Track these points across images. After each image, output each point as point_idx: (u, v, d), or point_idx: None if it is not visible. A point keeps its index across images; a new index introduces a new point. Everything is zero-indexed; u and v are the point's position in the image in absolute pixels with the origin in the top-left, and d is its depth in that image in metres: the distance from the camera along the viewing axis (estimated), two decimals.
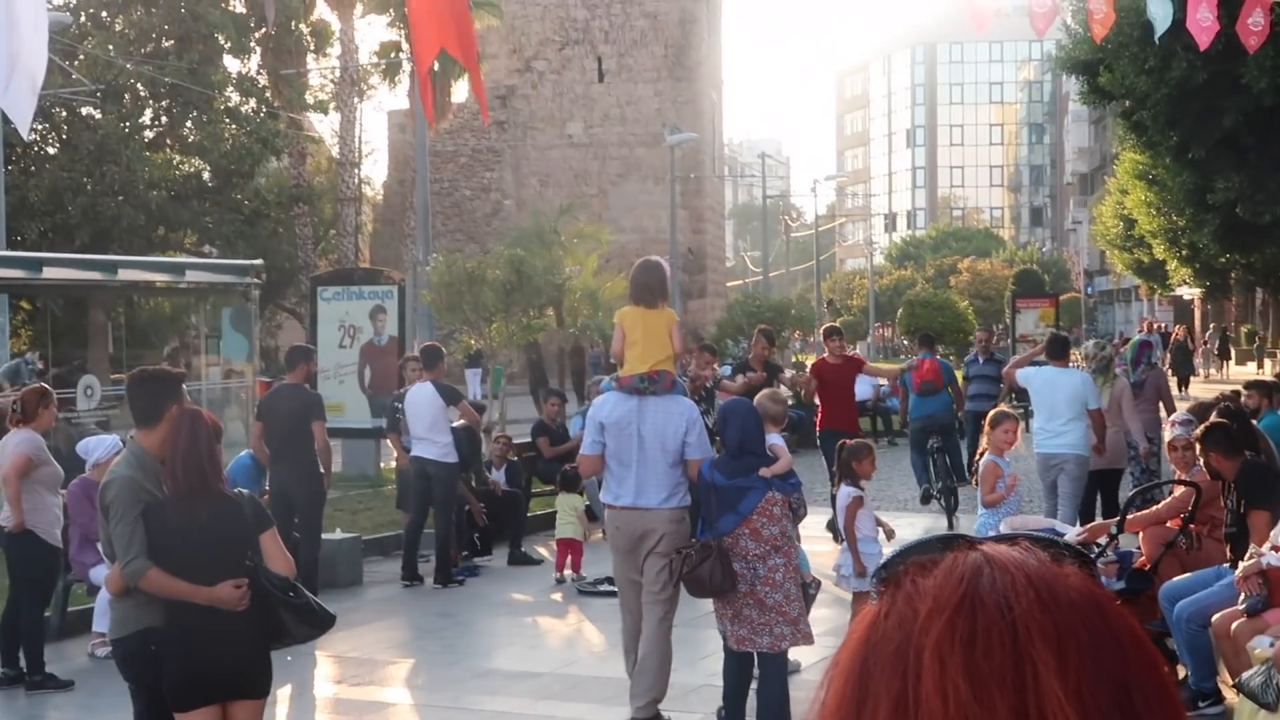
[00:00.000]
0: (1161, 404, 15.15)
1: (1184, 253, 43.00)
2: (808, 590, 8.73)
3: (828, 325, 17.72)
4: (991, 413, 11.48)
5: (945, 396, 18.12)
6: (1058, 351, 13.82)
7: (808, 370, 17.41)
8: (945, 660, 1.16)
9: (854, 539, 10.06)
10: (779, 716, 8.09)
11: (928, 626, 1.20)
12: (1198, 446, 9.17)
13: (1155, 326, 51.39)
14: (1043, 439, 13.12)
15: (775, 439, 9.35)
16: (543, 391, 23.69)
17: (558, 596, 13.52)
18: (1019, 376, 14.13)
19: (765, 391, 11.01)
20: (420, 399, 14.00)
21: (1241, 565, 8.25)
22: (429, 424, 13.93)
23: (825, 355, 16.41)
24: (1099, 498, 13.91)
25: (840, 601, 11.78)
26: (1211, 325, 59.47)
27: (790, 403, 19.09)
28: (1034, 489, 15.85)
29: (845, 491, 10.17)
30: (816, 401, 16.42)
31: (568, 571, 14.07)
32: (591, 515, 16.60)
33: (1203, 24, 12.01)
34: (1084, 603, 1.23)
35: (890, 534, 10.55)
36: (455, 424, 14.51)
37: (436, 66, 29.86)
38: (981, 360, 20.61)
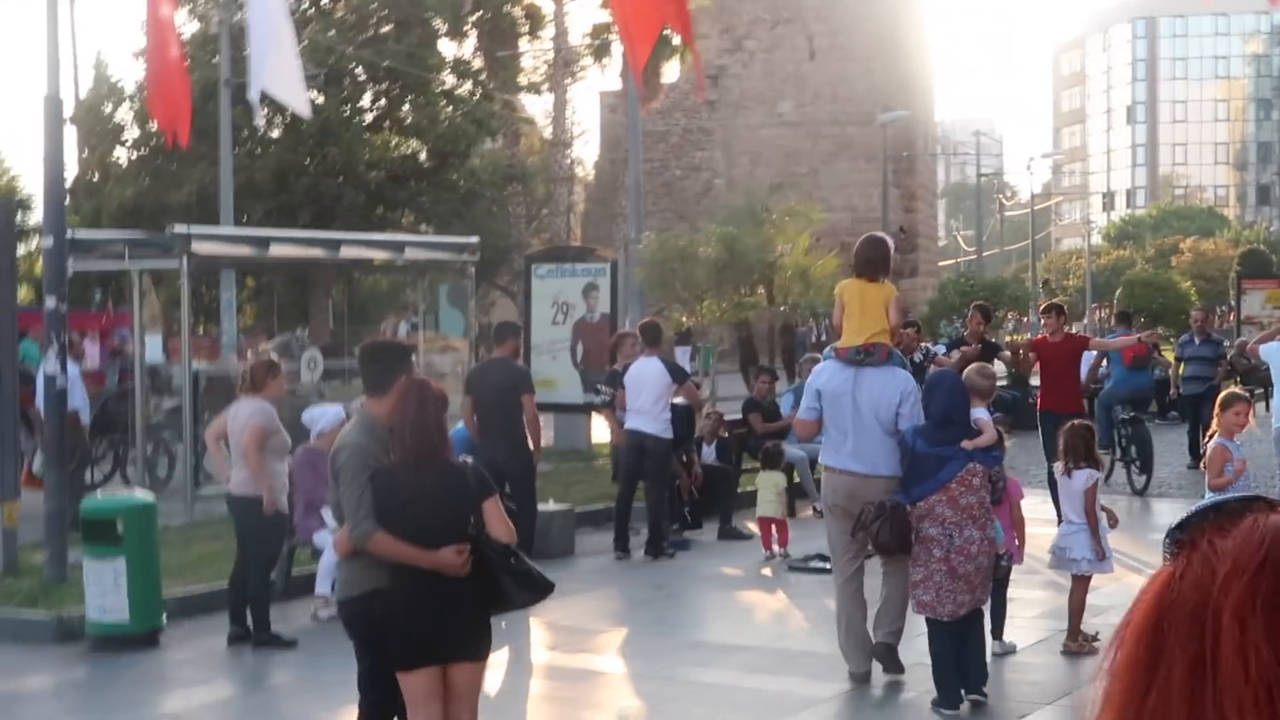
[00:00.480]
0: None
1: None
2: (1000, 562, 8.77)
3: (1048, 302, 17.24)
4: (1223, 394, 10.73)
5: (1150, 373, 19.78)
6: None
7: (1026, 347, 17.00)
8: (1246, 623, 1.13)
9: (1095, 522, 9.78)
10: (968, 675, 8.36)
11: (1227, 588, 1.16)
12: None
13: None
14: None
15: (981, 413, 9.33)
16: (753, 369, 23.66)
17: (767, 572, 13.51)
18: (1263, 352, 14.05)
19: (974, 365, 10.90)
20: (647, 374, 14.07)
21: None
22: (653, 399, 13.98)
23: (1044, 333, 15.92)
24: None
25: (1053, 585, 11.55)
26: None
27: (1005, 383, 18.83)
28: (1261, 472, 15.37)
29: (1086, 474, 9.85)
30: (1036, 381, 15.92)
31: (776, 548, 14.02)
32: (799, 492, 16.59)
33: None
34: None
35: (1114, 521, 10.23)
36: (676, 401, 14.57)
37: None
38: (1198, 341, 20.12)
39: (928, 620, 8.46)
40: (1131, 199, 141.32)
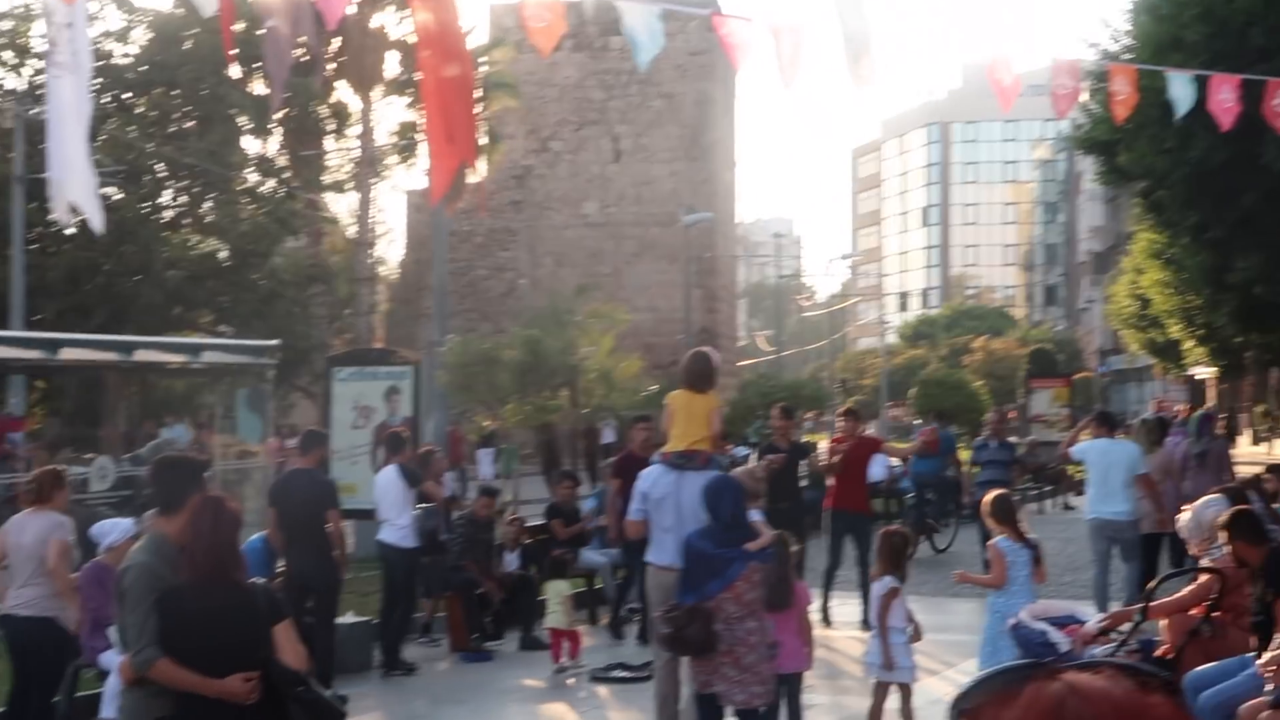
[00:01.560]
0: (1222, 474, 16.56)
1: (1200, 332, 42.91)
2: (772, 650, 9.02)
3: (844, 406, 17.81)
4: (991, 499, 10.90)
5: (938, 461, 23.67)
6: (1107, 422, 15.42)
7: (826, 450, 17.41)
8: None
9: (885, 629, 9.92)
10: None
11: None
12: (1222, 534, 9.03)
13: (1167, 407, 51.02)
14: (1097, 505, 14.54)
15: (754, 515, 9.60)
16: (555, 473, 23.59)
17: (571, 682, 13.36)
18: (1074, 452, 15.51)
19: (743, 469, 11.33)
20: (383, 483, 14.27)
21: (1266, 655, 8.11)
22: (390, 507, 14.15)
23: (840, 434, 16.37)
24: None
25: (863, 688, 11.60)
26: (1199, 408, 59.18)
27: (805, 483, 19.27)
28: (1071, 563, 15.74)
29: (884, 581, 10.00)
30: (829, 482, 16.16)
31: (565, 659, 13.76)
32: (600, 599, 16.50)
33: (1224, 105, 12.01)
34: None
35: (918, 634, 10.28)
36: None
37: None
38: (993, 444, 20.00)
39: (700, 699, 8.80)
40: (925, 299, 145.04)
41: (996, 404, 42.65)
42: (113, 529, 11.21)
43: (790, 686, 9.87)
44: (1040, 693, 1.54)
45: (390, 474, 14.24)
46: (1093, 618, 9.68)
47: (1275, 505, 12.45)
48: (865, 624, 14.40)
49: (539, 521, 17.77)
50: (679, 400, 10.27)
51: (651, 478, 10.09)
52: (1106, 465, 14.62)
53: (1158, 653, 9.31)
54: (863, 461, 15.88)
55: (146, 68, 38.36)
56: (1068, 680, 1.61)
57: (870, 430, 59.11)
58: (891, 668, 9.91)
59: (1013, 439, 22.07)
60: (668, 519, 9.80)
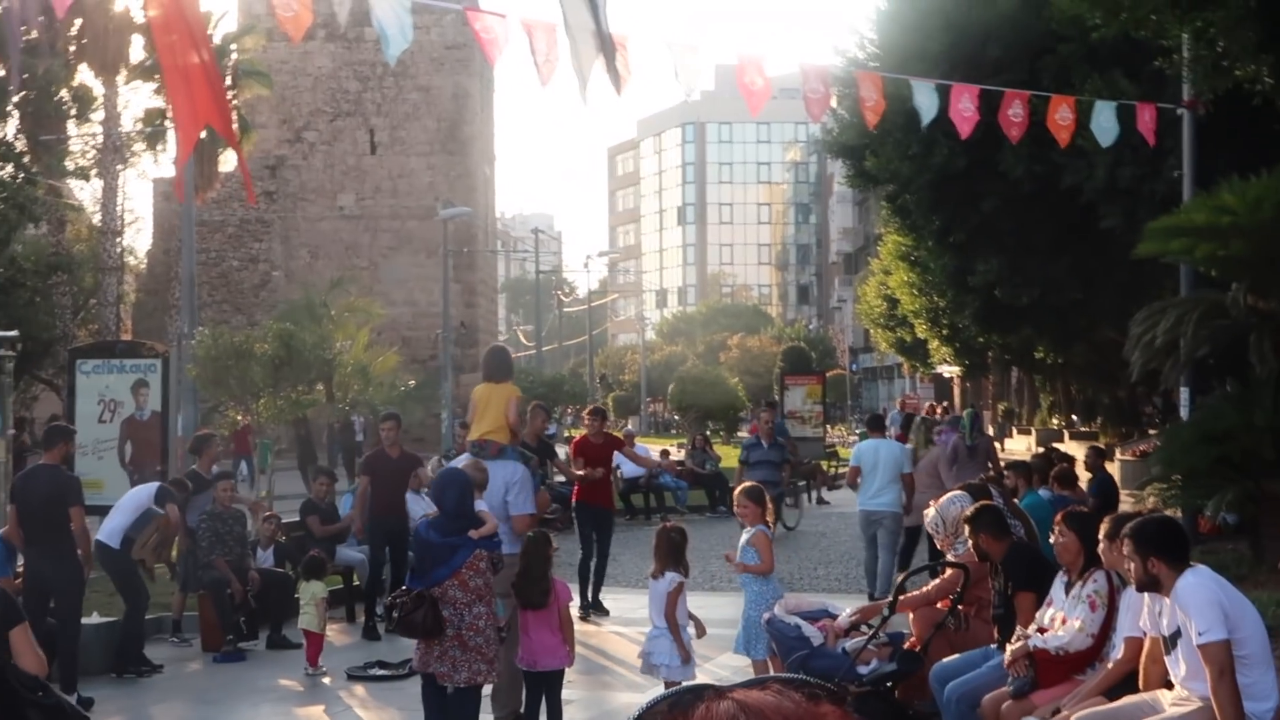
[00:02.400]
0: (990, 465, 17.89)
1: (945, 332, 44.33)
2: (500, 633, 9.43)
3: (591, 405, 18.26)
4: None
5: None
6: (877, 425, 17.52)
7: (570, 451, 18.03)
8: None
9: (676, 626, 9.92)
10: None
11: None
12: (967, 528, 9.32)
13: (913, 404, 52.57)
14: (865, 499, 16.10)
15: (481, 505, 9.97)
16: (312, 469, 23.19)
17: (328, 681, 13.12)
18: (854, 454, 17.08)
19: (470, 461, 11.40)
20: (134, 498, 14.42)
21: (1009, 648, 8.40)
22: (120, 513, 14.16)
23: (587, 433, 17.34)
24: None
25: (622, 683, 11.67)
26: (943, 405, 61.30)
27: (563, 479, 19.60)
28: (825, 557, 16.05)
29: (669, 578, 9.98)
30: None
31: (319, 663, 13.48)
32: (340, 599, 16.29)
33: (964, 114, 12.42)
34: None
35: (700, 631, 10.34)
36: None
37: (204, 135, 29.31)
38: (765, 445, 20.11)
39: (426, 683, 9.30)
40: (683, 296, 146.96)
41: (763, 403, 43.39)
42: None
43: (550, 684, 9.86)
44: (710, 714, 1.58)
45: (143, 493, 14.12)
46: (844, 612, 9.92)
47: (1016, 500, 12.90)
48: (584, 614, 15.41)
49: (295, 518, 17.47)
50: (480, 393, 11.14)
51: (456, 465, 10.84)
52: (875, 462, 16.13)
53: (906, 645, 9.58)
54: (608, 459, 17.04)
55: None
56: (737, 698, 1.66)
57: (629, 425, 59.54)
58: (689, 662, 9.93)
59: (785, 446, 22.16)
60: None
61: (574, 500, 17.03)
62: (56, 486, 12.16)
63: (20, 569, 12.68)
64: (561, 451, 21.17)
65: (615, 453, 17.67)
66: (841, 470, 38.58)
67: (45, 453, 12.74)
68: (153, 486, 14.26)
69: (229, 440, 31.58)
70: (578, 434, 38.23)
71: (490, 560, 9.23)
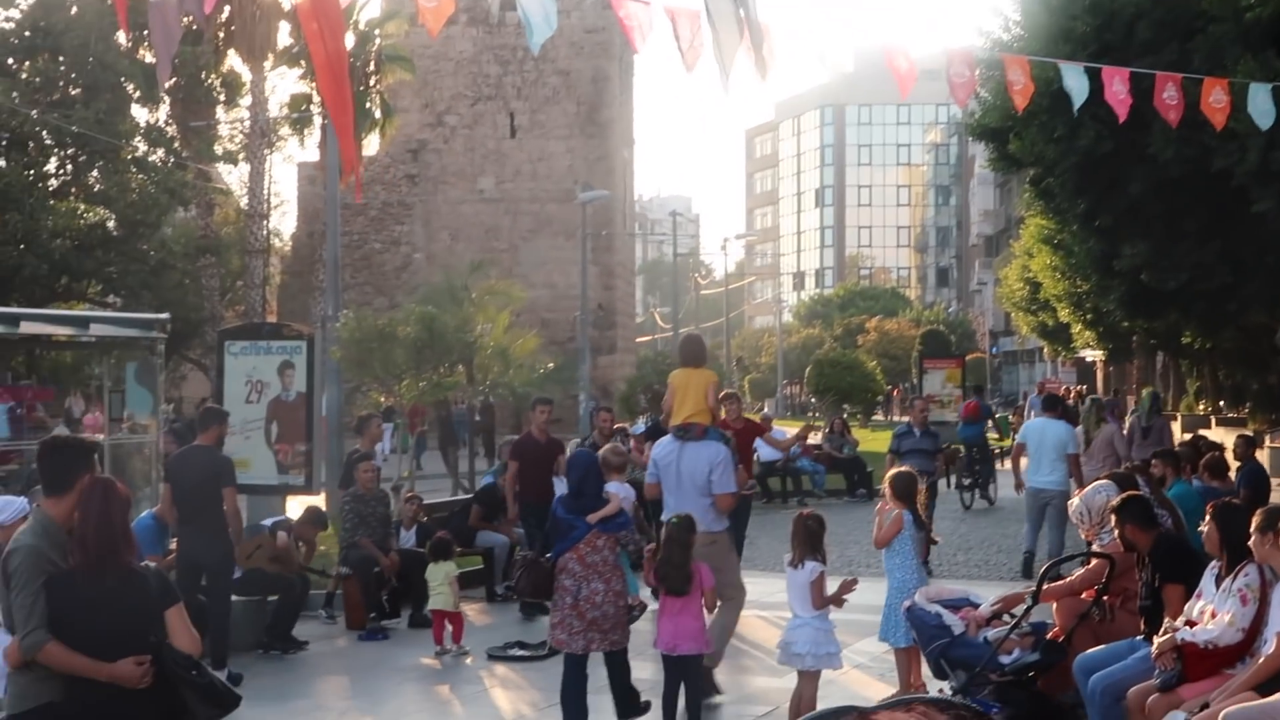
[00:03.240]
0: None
1: (1089, 316, 43.57)
2: (632, 612, 10.00)
3: (725, 391, 17.86)
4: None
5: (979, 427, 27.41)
6: (1052, 405, 17.82)
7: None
8: None
9: (825, 610, 9.80)
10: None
11: None
12: (1113, 518, 9.17)
13: (1055, 387, 51.74)
14: (1033, 477, 16.77)
15: (613, 486, 10.58)
16: (452, 449, 23.46)
17: (468, 660, 13.29)
18: (1021, 433, 18.03)
19: (608, 446, 12.36)
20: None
21: (1157, 640, 8.25)
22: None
23: (725, 417, 16.63)
24: None
25: (762, 667, 11.65)
26: (1087, 393, 60.24)
27: None
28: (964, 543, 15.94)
29: (810, 567, 9.83)
30: None
31: (449, 644, 13.59)
32: (481, 579, 16.45)
33: (1118, 97, 12.19)
34: None
35: (844, 597, 10.26)
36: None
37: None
38: (918, 433, 19.23)
39: (565, 655, 9.78)
40: (820, 279, 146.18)
41: (890, 384, 42.97)
42: (6, 506, 10.95)
43: (689, 669, 9.86)
44: None
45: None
46: (986, 600, 9.81)
47: (1163, 490, 12.67)
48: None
49: (439, 499, 17.70)
50: (679, 379, 11.62)
51: (662, 447, 11.47)
52: (1041, 441, 16.77)
53: (1049, 635, 9.45)
54: (748, 444, 16.74)
55: (29, 33, 37.50)
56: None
57: (766, 408, 59.32)
58: (831, 653, 9.81)
59: (938, 433, 21.34)
60: (670, 483, 11.20)
61: None
62: (211, 467, 12.45)
63: (172, 547, 12.98)
64: None
65: (756, 438, 17.34)
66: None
67: (200, 434, 13.03)
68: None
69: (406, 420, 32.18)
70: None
71: (618, 540, 9.78)
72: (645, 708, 10.24)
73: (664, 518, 10.73)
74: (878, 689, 11.55)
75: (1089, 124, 23.45)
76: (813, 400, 61.92)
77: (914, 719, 1.00)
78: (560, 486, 15.52)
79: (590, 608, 9.54)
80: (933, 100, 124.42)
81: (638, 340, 74.93)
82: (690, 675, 9.86)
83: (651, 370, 40.68)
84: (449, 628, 13.72)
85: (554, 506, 10.07)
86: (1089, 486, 10.52)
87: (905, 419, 21.46)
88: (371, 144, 42.73)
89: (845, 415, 43.83)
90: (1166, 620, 8.47)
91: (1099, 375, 66.92)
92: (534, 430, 16.07)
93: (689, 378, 11.58)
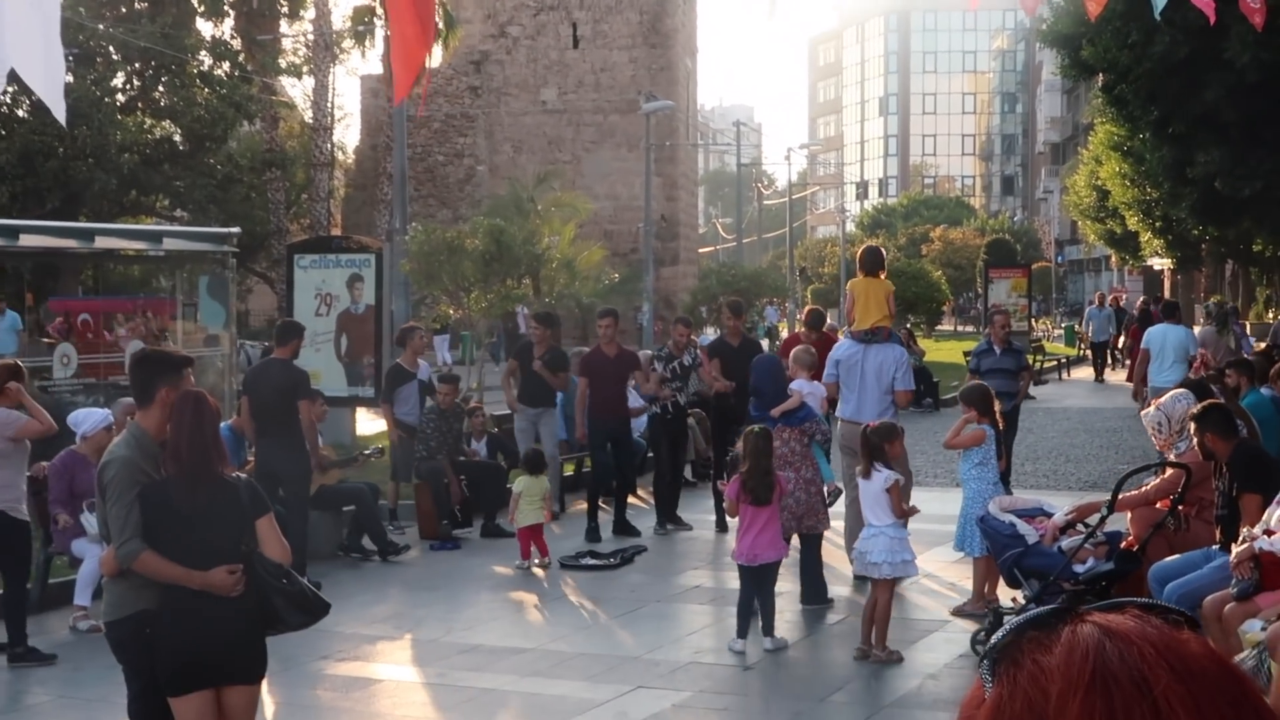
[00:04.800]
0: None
1: (1158, 224, 43.04)
2: (826, 497, 11.03)
3: (810, 309, 16.80)
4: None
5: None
6: (1171, 312, 19.57)
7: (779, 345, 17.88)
8: None
9: (904, 521, 9.85)
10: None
11: (1062, 707, 1.15)
12: (1192, 426, 9.14)
13: (1119, 299, 51.15)
14: (1155, 377, 17.58)
15: (798, 384, 11.74)
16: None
17: (539, 571, 13.45)
18: (1145, 338, 18.94)
19: (801, 346, 13.02)
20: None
21: (1234, 549, 8.25)
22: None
23: (800, 332, 16.39)
24: None
25: (832, 576, 11.70)
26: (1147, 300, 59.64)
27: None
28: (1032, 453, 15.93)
29: (885, 475, 9.80)
30: None
31: (535, 558, 13.50)
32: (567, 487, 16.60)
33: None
34: (1218, 672, 1.20)
35: (913, 511, 10.41)
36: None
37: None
38: (999, 350, 16.29)
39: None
40: (884, 188, 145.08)
41: (954, 294, 42.53)
42: (87, 418, 11.16)
43: (767, 577, 9.96)
44: (1078, 636, 1.57)
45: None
46: (1060, 510, 9.83)
47: (1238, 400, 12.59)
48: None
49: (505, 411, 17.79)
50: (859, 286, 12.66)
51: (843, 349, 12.55)
52: (1163, 344, 17.95)
53: (1123, 545, 9.47)
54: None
55: None
56: (1099, 622, 1.63)
57: (830, 320, 59.37)
58: (906, 560, 9.84)
59: (1023, 349, 19.54)
60: (853, 382, 12.23)
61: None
62: (288, 380, 12.62)
63: (250, 459, 13.18)
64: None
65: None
66: (1048, 365, 37.98)
67: (278, 348, 13.19)
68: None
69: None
70: (782, 328, 38.00)
71: (800, 431, 10.83)
72: (830, 602, 11.24)
73: (840, 414, 12.31)
74: (944, 599, 11.62)
75: (1164, 29, 23.05)
76: None
77: (1130, 621, 1.02)
78: (634, 399, 15.61)
79: (783, 495, 10.17)
80: (999, 6, 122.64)
81: (700, 251, 74.73)
82: (766, 584, 9.96)
83: (716, 281, 40.63)
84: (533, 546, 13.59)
85: (750, 407, 11.23)
86: (1167, 395, 10.47)
87: (986, 333, 19.32)
88: (434, 56, 42.64)
89: (910, 325, 43.69)
90: (1244, 529, 8.46)
91: (1166, 284, 66.22)
92: (601, 344, 15.51)
93: (868, 286, 12.56)
